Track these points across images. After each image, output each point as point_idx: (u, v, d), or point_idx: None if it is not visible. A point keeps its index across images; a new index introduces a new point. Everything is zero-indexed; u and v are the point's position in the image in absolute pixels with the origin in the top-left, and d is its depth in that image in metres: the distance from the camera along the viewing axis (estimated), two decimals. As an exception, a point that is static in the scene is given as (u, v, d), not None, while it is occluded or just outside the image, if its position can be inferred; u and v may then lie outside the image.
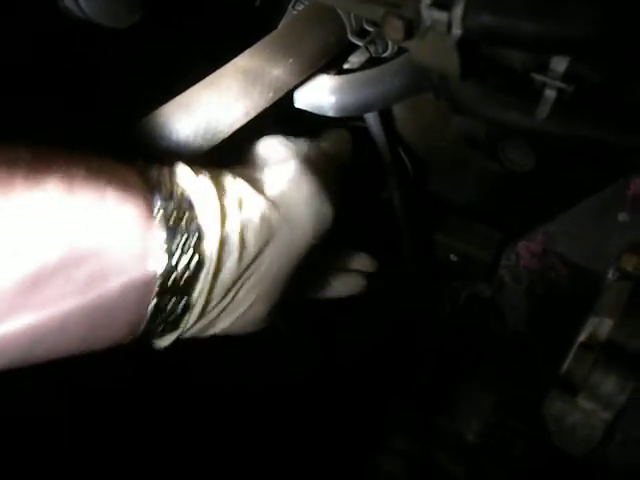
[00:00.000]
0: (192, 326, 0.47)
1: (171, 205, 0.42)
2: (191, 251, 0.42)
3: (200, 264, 0.43)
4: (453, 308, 0.83)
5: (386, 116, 0.73)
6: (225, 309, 0.48)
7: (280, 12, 0.67)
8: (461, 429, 0.72)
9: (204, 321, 0.48)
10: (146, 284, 0.41)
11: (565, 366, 0.47)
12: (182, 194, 0.44)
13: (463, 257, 0.74)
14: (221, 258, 0.44)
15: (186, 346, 0.51)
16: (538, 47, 0.37)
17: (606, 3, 0.34)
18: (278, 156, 0.53)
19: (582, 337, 0.47)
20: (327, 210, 0.52)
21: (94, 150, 0.42)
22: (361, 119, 0.73)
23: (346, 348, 0.88)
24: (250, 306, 0.50)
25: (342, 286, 0.66)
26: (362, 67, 0.66)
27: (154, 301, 0.42)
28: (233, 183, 0.48)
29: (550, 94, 0.41)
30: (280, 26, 0.63)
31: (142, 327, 0.43)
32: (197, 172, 0.46)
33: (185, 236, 0.42)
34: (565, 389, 0.46)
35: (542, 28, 0.34)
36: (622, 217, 0.60)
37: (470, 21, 0.36)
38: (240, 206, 0.46)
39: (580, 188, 0.65)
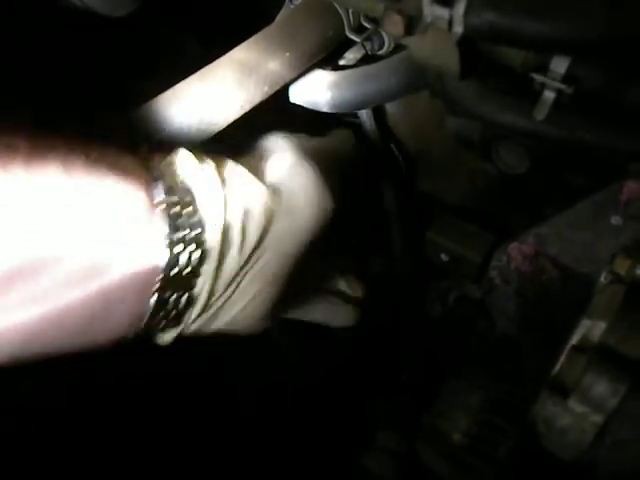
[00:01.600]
0: (195, 320, 0.46)
1: (174, 197, 0.42)
2: (193, 245, 0.42)
3: (202, 257, 0.43)
4: (443, 308, 0.83)
5: (380, 114, 0.73)
6: (228, 301, 0.47)
7: (278, 5, 0.67)
8: (447, 428, 0.72)
9: (207, 315, 0.47)
10: (148, 277, 0.40)
11: (556, 368, 0.47)
12: (184, 185, 0.43)
13: (454, 257, 0.74)
14: (223, 250, 0.44)
15: (180, 349, 0.50)
16: (540, 46, 0.37)
17: (609, 3, 0.34)
18: (278, 148, 0.53)
19: (574, 340, 0.47)
20: (326, 200, 0.51)
21: (92, 137, 0.41)
22: (355, 116, 0.73)
23: (334, 345, 0.87)
24: (252, 298, 0.49)
25: (323, 309, 0.62)
26: (358, 64, 0.66)
27: (156, 295, 0.41)
28: (234, 172, 0.47)
29: (549, 95, 0.41)
30: (277, 19, 0.63)
31: (144, 321, 0.42)
32: (200, 160, 0.45)
33: (187, 229, 0.42)
34: (556, 391, 0.45)
35: (545, 27, 0.34)
36: (615, 220, 0.60)
37: (472, 19, 0.36)
38: (241, 195, 0.46)
39: (573, 191, 0.65)
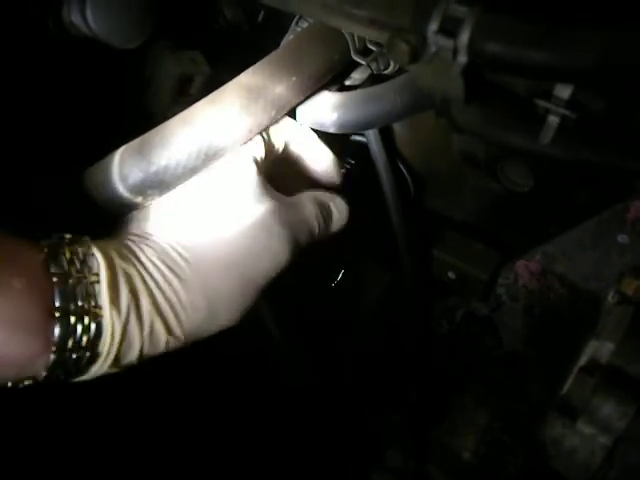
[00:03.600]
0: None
1: (70, 304, 0.42)
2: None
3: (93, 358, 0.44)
4: (450, 325, 0.83)
5: (386, 132, 0.74)
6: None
7: (283, 29, 0.68)
8: (456, 447, 0.72)
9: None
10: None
11: (565, 389, 0.47)
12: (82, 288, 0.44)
13: (461, 275, 0.74)
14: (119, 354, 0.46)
15: (176, 354, 0.51)
16: (542, 75, 0.37)
17: (608, 35, 0.34)
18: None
19: (582, 361, 0.47)
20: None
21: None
22: (361, 135, 0.73)
23: (341, 362, 0.87)
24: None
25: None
26: (364, 84, 0.66)
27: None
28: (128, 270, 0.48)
29: (553, 120, 0.42)
30: (283, 44, 0.63)
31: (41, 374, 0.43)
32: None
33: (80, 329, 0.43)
34: (564, 413, 0.46)
35: (546, 58, 0.35)
36: (622, 239, 0.60)
37: (476, 49, 0.36)
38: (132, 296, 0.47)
39: (579, 209, 0.65)
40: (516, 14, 0.35)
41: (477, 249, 0.73)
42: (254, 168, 0.54)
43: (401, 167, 0.76)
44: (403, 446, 0.76)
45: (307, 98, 0.62)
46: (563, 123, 0.42)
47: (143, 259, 0.49)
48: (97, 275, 0.44)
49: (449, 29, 0.37)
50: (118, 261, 0.46)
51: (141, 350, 0.46)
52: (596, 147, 0.47)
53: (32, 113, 0.57)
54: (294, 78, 0.57)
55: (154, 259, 0.49)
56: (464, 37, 0.36)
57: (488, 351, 0.79)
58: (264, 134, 0.57)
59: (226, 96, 0.54)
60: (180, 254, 0.50)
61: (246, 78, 0.56)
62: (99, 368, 0.45)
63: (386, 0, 0.43)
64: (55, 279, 0.42)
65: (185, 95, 0.65)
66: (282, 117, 0.59)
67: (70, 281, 0.42)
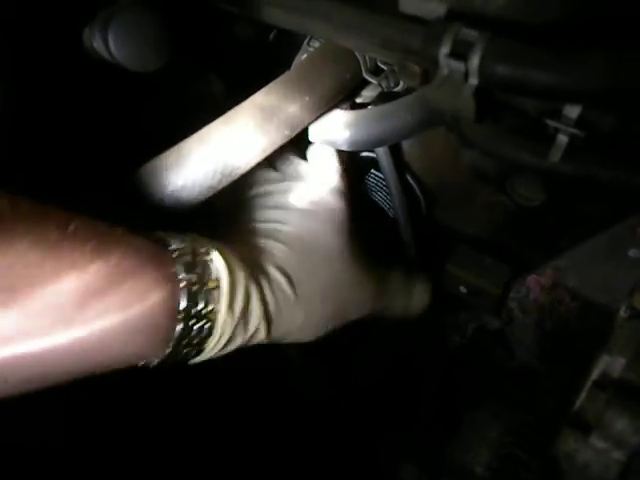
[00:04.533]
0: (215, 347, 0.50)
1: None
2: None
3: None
4: (461, 339, 0.83)
5: (396, 149, 0.75)
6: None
7: (295, 47, 0.69)
8: (469, 461, 0.72)
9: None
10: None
11: (577, 404, 0.48)
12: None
13: (472, 289, 0.75)
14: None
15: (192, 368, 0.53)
16: (551, 97, 0.38)
17: (616, 56, 0.35)
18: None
19: (594, 375, 0.48)
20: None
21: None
22: (372, 151, 0.74)
23: (354, 376, 0.88)
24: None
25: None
26: (375, 101, 0.67)
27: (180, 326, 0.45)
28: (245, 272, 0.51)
29: (563, 139, 0.42)
30: (296, 63, 0.65)
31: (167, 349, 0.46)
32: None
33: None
34: (577, 428, 0.46)
35: (550, 79, 0.36)
36: (633, 253, 0.61)
37: (486, 71, 0.37)
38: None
39: (590, 223, 0.65)
40: (525, 38, 0.36)
41: (488, 263, 0.74)
42: (349, 212, 0.62)
43: (411, 182, 0.77)
44: (417, 461, 0.77)
45: (319, 116, 0.63)
46: (572, 142, 0.43)
47: (262, 264, 0.53)
48: (217, 281, 0.47)
49: (460, 52, 0.38)
50: (237, 267, 0.49)
51: (238, 346, 0.51)
52: (605, 164, 0.47)
53: (52, 135, 0.58)
54: (307, 98, 0.58)
55: (270, 266, 0.53)
56: (475, 60, 0.37)
57: (500, 365, 0.79)
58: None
59: (240, 116, 0.55)
60: (293, 266, 0.55)
61: (260, 98, 0.57)
62: (200, 358, 0.50)
63: (398, 23, 0.44)
64: (182, 284, 0.45)
65: (201, 115, 0.66)
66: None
67: (194, 288, 0.45)
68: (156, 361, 0.47)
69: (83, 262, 0.40)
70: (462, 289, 0.75)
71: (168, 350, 0.45)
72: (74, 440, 0.72)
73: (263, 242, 0.56)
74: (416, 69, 0.41)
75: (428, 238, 0.77)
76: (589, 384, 0.47)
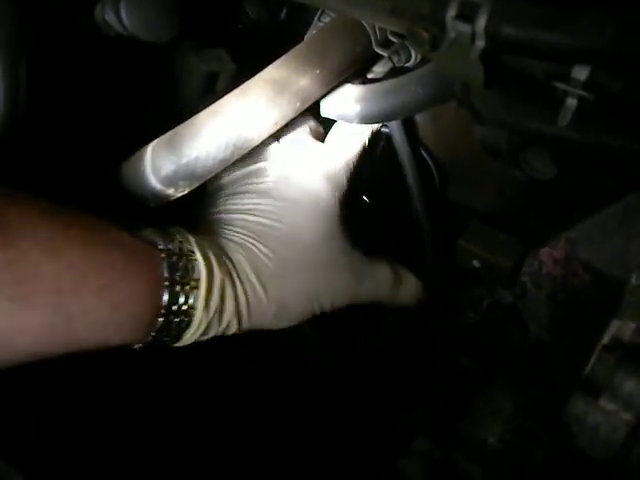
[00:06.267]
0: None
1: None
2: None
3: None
4: (475, 315, 0.84)
5: (409, 124, 0.75)
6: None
7: (306, 24, 0.69)
8: (482, 434, 0.73)
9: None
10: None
11: (587, 368, 0.48)
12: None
13: (485, 263, 0.75)
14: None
15: (202, 346, 0.56)
16: (558, 57, 0.38)
17: (623, 14, 0.35)
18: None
19: (605, 340, 0.48)
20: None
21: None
22: (384, 126, 0.74)
23: (367, 350, 0.89)
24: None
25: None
26: (386, 77, 0.68)
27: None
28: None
29: (571, 102, 0.42)
30: (307, 37, 0.65)
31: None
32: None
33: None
34: (587, 391, 0.46)
35: (558, 39, 0.36)
36: (645, 224, 0.61)
37: (493, 32, 0.37)
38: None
39: (603, 195, 0.65)
40: (531, -2, 0.36)
41: (501, 238, 0.74)
42: (337, 207, 0.63)
43: (425, 157, 0.77)
44: (429, 434, 0.77)
45: (330, 91, 0.64)
46: (581, 105, 0.43)
47: (237, 266, 0.56)
48: (197, 281, 0.52)
49: (466, 14, 0.38)
50: (216, 269, 0.54)
51: (213, 335, 0.56)
52: (614, 130, 0.47)
53: (64, 110, 0.59)
54: (318, 71, 0.58)
55: (245, 266, 0.56)
56: (481, 21, 0.37)
57: (513, 340, 0.80)
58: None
59: (253, 89, 0.56)
60: (267, 266, 0.57)
61: (271, 72, 0.58)
62: (178, 344, 0.55)
63: (405, -10, 0.44)
64: (167, 283, 0.50)
65: (211, 92, 0.67)
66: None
67: (177, 287, 0.51)
68: (137, 346, 0.53)
69: (81, 263, 0.45)
70: (475, 263, 0.75)
71: (149, 339, 0.52)
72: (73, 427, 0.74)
73: (241, 237, 0.58)
74: (424, 35, 0.41)
75: (441, 213, 0.78)
76: (599, 348, 0.48)
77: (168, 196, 0.56)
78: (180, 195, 0.56)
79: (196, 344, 0.56)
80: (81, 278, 0.44)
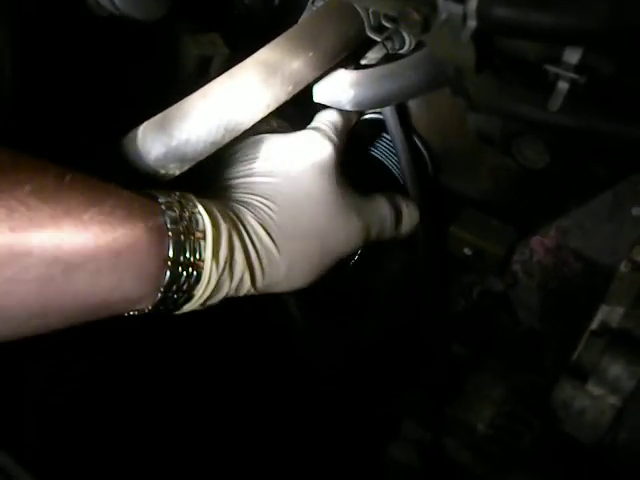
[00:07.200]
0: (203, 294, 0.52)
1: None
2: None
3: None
4: (466, 302, 0.84)
5: (402, 111, 0.75)
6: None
7: (300, 9, 0.69)
8: (471, 419, 0.73)
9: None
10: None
11: (575, 354, 0.48)
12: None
13: (477, 251, 0.75)
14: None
15: (198, 330, 0.55)
16: (549, 38, 0.38)
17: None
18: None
19: (593, 325, 0.48)
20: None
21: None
22: (378, 113, 0.74)
23: (359, 336, 0.89)
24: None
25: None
26: (379, 63, 0.67)
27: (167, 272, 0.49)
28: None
29: (563, 86, 0.42)
30: (300, 21, 0.65)
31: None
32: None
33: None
34: (575, 375, 0.47)
35: (553, 19, 0.36)
36: (636, 211, 0.61)
37: (484, 12, 0.37)
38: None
39: (594, 183, 0.65)
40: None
41: (493, 225, 0.74)
42: (334, 153, 0.62)
43: (418, 144, 0.77)
44: (419, 419, 0.78)
45: (324, 75, 0.63)
46: (573, 89, 0.43)
47: (242, 219, 0.55)
48: (203, 232, 0.50)
49: (458, -5, 0.38)
50: (221, 221, 0.52)
51: (226, 295, 0.54)
52: (605, 115, 0.48)
53: (55, 93, 0.59)
54: (311, 53, 0.58)
55: (251, 219, 0.55)
56: (472, 2, 0.37)
57: (504, 327, 0.80)
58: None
59: (244, 71, 0.56)
60: (272, 218, 0.57)
61: (264, 54, 0.57)
62: (190, 306, 0.53)
63: (398, -29, 0.44)
64: (170, 233, 0.48)
65: (204, 76, 0.67)
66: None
67: (182, 237, 0.49)
68: (149, 307, 0.50)
69: (78, 209, 0.43)
70: (466, 251, 0.75)
71: (159, 295, 0.49)
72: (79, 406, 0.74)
73: (245, 197, 0.58)
74: (416, 16, 0.41)
75: (434, 200, 0.78)
76: (587, 333, 0.48)
77: (159, 178, 0.56)
78: (171, 176, 0.56)
79: (191, 330, 0.55)
80: (80, 225, 0.43)
